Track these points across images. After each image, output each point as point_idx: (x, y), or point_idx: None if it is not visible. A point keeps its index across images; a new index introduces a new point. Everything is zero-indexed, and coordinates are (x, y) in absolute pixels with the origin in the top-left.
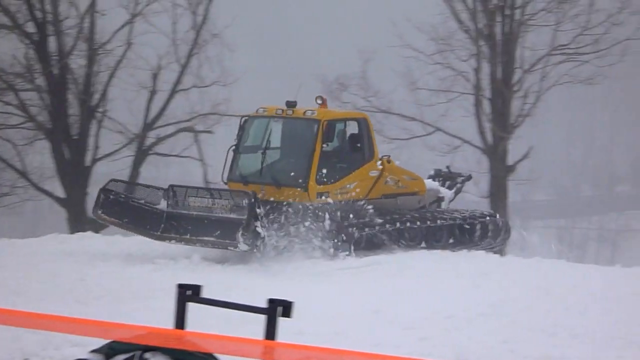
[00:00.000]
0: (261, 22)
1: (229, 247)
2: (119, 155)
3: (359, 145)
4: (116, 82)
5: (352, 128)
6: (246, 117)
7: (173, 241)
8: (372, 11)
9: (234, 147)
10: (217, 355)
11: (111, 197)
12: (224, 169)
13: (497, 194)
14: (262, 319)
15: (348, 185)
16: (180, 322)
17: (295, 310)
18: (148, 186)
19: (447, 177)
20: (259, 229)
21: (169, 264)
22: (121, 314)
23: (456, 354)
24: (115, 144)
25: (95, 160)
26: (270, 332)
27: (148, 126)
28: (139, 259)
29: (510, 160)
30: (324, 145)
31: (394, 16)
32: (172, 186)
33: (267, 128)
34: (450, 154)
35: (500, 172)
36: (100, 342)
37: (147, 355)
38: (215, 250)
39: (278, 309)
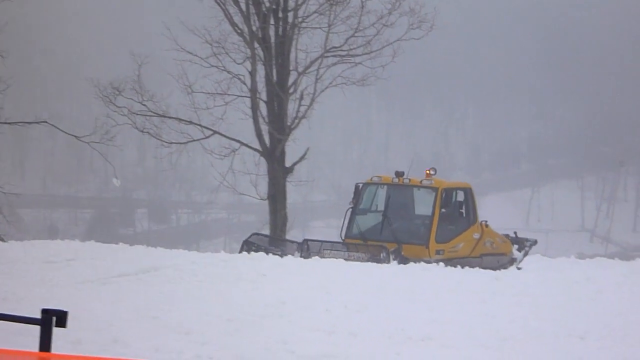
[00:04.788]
0: (32, 27)
1: None
2: None
3: (464, 210)
4: None
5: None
6: (362, 183)
7: None
8: (145, 14)
9: (350, 208)
10: None
11: (253, 248)
12: (342, 227)
13: (277, 195)
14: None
15: (458, 245)
16: None
17: (72, 319)
18: (284, 240)
19: (515, 241)
20: None
21: None
22: None
23: (236, 357)
24: None
25: None
26: (45, 343)
27: None
28: None
29: (288, 162)
30: (442, 210)
31: (167, 19)
32: (306, 240)
33: (383, 193)
34: (228, 156)
35: (279, 174)
36: None
37: None
38: None
39: (52, 318)
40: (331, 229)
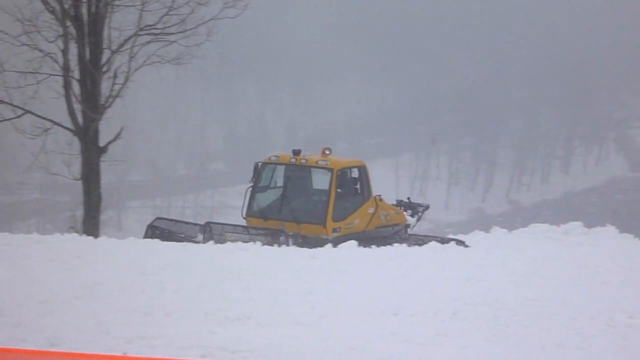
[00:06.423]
0: None
1: None
2: None
3: (359, 187)
4: None
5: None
6: (261, 162)
7: None
8: None
9: (250, 187)
10: None
11: (157, 232)
12: (242, 206)
13: (91, 175)
14: None
15: (354, 221)
16: None
17: None
18: (187, 222)
19: (408, 206)
20: None
21: None
22: None
23: (49, 339)
24: None
25: None
26: None
27: None
28: None
29: (102, 142)
30: (338, 190)
31: None
32: (208, 223)
33: (281, 172)
34: (40, 136)
35: (93, 154)
36: None
37: None
38: None
39: None
40: (147, 209)
